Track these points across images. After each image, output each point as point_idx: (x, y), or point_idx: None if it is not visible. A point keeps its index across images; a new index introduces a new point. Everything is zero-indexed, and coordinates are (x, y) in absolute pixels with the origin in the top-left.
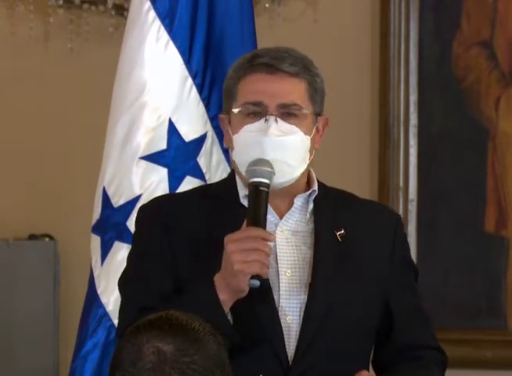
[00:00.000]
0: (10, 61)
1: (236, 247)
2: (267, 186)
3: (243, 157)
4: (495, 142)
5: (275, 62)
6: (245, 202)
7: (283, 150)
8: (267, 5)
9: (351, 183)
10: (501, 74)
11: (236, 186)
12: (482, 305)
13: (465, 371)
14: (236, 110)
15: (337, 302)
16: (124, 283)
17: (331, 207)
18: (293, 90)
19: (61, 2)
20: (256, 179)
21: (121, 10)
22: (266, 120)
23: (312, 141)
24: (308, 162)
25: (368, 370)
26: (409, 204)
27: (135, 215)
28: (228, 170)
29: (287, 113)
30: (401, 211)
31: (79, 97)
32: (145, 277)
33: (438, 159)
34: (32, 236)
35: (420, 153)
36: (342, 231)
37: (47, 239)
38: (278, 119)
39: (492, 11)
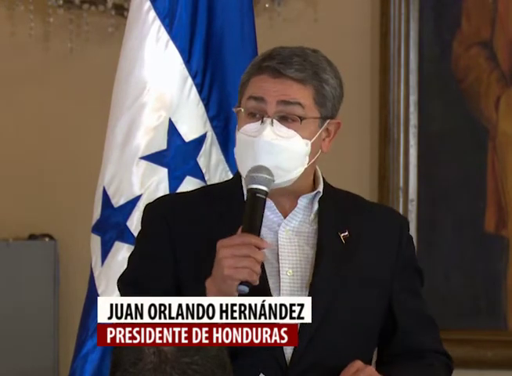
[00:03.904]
0: (10, 61)
1: (228, 253)
2: (265, 193)
3: (238, 157)
4: (495, 142)
5: (281, 66)
6: None
7: (274, 153)
8: (267, 5)
9: (351, 183)
10: (501, 74)
11: (241, 188)
12: (482, 305)
13: (465, 371)
14: (240, 107)
15: (336, 303)
16: (124, 282)
17: (336, 209)
18: (296, 92)
19: (61, 2)
20: (254, 186)
21: (121, 10)
22: (263, 121)
23: (316, 145)
24: (306, 166)
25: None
26: (409, 204)
27: (141, 214)
28: (228, 170)
29: (287, 117)
30: (401, 211)
31: (79, 97)
32: (145, 277)
33: (438, 159)
34: (32, 236)
35: (420, 153)
36: (346, 233)
37: (47, 239)
38: (274, 122)
39: (492, 11)
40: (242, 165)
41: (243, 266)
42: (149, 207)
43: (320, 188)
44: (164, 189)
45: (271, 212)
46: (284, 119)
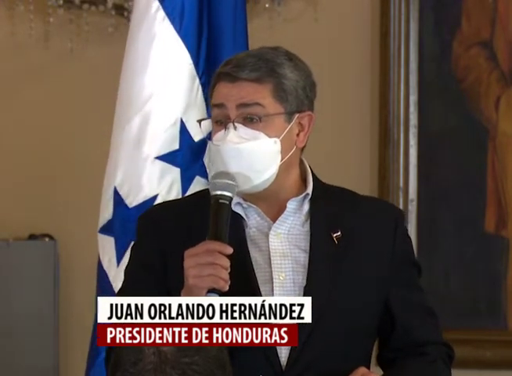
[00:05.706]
0: (10, 61)
1: (193, 262)
2: (228, 198)
3: (211, 168)
4: (495, 142)
5: (234, 70)
6: (236, 209)
7: (242, 157)
8: (267, 5)
9: (351, 183)
10: (501, 74)
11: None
12: (482, 305)
13: (465, 371)
14: (209, 118)
15: (331, 304)
16: (117, 293)
17: (328, 209)
18: (254, 92)
19: (61, 2)
20: (216, 192)
21: (121, 10)
22: (226, 128)
23: (287, 141)
24: (279, 163)
25: (368, 369)
26: (409, 204)
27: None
28: None
29: (250, 117)
30: None
31: (79, 97)
32: (139, 291)
33: (438, 159)
34: (32, 236)
35: (420, 153)
36: (339, 233)
37: (47, 239)
38: (237, 125)
39: (492, 11)
40: (212, 173)
41: (208, 274)
42: (141, 218)
43: (309, 190)
44: (177, 189)
45: (260, 218)
46: (249, 121)
